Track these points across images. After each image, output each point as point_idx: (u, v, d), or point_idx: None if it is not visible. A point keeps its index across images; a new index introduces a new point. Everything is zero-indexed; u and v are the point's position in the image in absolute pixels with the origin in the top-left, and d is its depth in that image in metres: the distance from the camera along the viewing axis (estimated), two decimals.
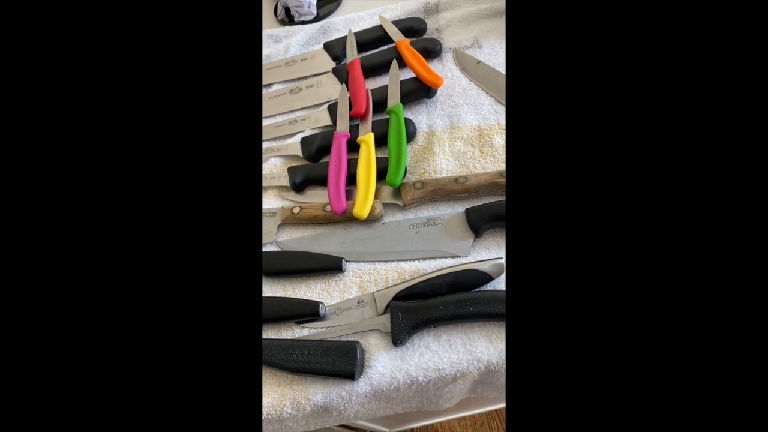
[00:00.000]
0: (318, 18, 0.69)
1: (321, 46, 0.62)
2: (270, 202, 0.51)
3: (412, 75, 0.53)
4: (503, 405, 0.98)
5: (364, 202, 0.43)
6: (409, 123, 0.50)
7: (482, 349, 0.37)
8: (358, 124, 0.51)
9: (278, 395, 0.38)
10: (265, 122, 0.58)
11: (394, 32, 0.58)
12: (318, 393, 0.37)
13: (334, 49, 0.60)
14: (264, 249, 0.47)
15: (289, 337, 0.41)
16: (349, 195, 0.47)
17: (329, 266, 0.43)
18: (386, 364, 0.37)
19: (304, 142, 0.52)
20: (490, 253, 0.41)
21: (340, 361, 0.36)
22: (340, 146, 0.48)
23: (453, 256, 0.42)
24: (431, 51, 0.56)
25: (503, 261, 0.39)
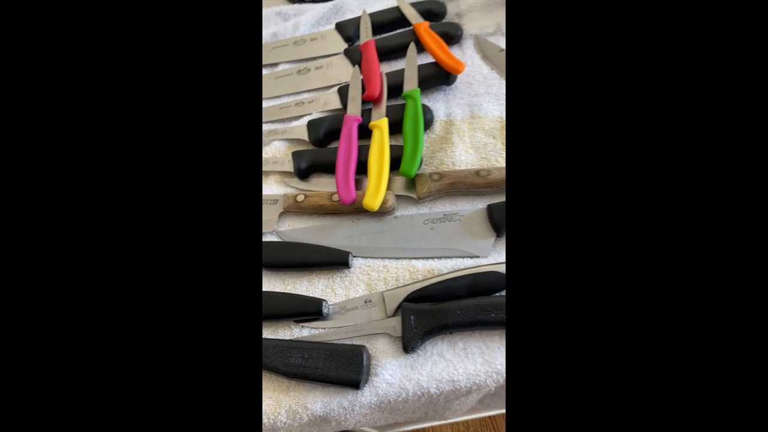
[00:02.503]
0: None
1: (332, 26, 0.58)
2: (271, 188, 0.47)
3: (429, 60, 0.49)
4: (496, 412, 0.95)
5: (375, 193, 0.39)
6: (426, 110, 0.46)
7: (503, 360, 0.33)
8: (370, 109, 0.47)
9: (273, 402, 0.34)
10: (269, 103, 0.54)
11: (412, 14, 0.54)
12: (317, 401, 0.33)
13: (347, 30, 0.56)
14: (263, 239, 0.43)
15: (288, 338, 0.37)
16: (359, 184, 0.43)
17: (335, 261, 0.39)
18: (395, 373, 0.34)
19: (311, 125, 0.48)
20: None
21: (344, 368, 0.33)
22: (350, 131, 0.44)
23: (472, 257, 0.38)
24: (452, 36, 0.53)
25: None
